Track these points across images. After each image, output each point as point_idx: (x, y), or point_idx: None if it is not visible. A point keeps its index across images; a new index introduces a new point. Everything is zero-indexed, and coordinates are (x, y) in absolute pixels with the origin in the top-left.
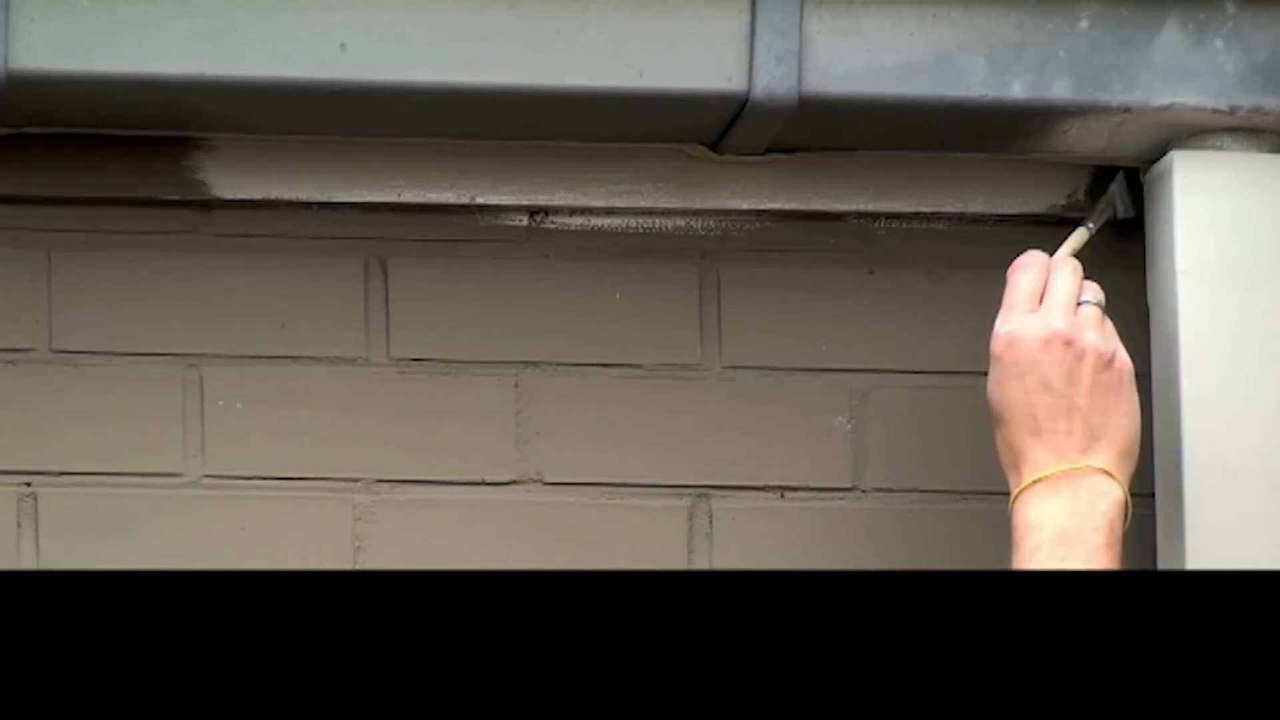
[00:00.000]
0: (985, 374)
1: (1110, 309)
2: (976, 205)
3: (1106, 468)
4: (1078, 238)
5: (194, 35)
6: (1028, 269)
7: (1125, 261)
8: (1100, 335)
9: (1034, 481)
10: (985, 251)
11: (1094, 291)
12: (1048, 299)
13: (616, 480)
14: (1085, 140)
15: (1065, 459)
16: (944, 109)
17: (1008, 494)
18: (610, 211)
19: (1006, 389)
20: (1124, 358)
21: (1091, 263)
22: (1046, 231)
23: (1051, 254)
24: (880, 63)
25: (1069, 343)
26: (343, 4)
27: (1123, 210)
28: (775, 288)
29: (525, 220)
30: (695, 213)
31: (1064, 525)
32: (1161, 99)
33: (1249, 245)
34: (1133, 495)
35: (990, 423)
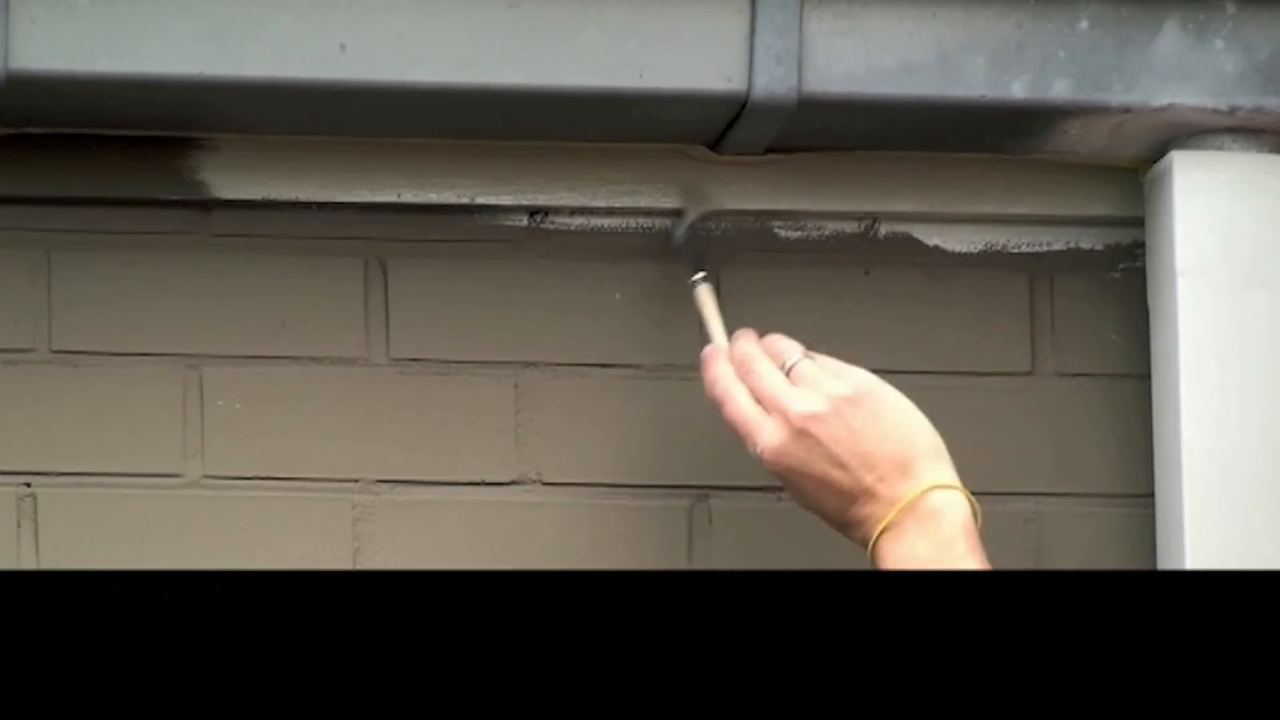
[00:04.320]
0: (986, 374)
1: (1110, 309)
2: (976, 206)
3: (930, 483)
4: (708, 297)
5: (194, 35)
6: (730, 395)
7: (1125, 261)
8: (830, 385)
9: (880, 533)
10: (985, 252)
11: (788, 348)
12: (763, 398)
13: (616, 480)
14: (1085, 141)
15: (894, 500)
16: (944, 109)
17: (1008, 494)
18: (610, 212)
19: (808, 492)
20: (859, 380)
21: (1091, 263)
22: (1046, 231)
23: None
24: (880, 63)
25: (816, 418)
26: (343, 4)
27: (692, 247)
28: (775, 288)
29: (525, 220)
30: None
31: (925, 554)
32: (1161, 99)
33: (1249, 245)
34: (1129, 495)
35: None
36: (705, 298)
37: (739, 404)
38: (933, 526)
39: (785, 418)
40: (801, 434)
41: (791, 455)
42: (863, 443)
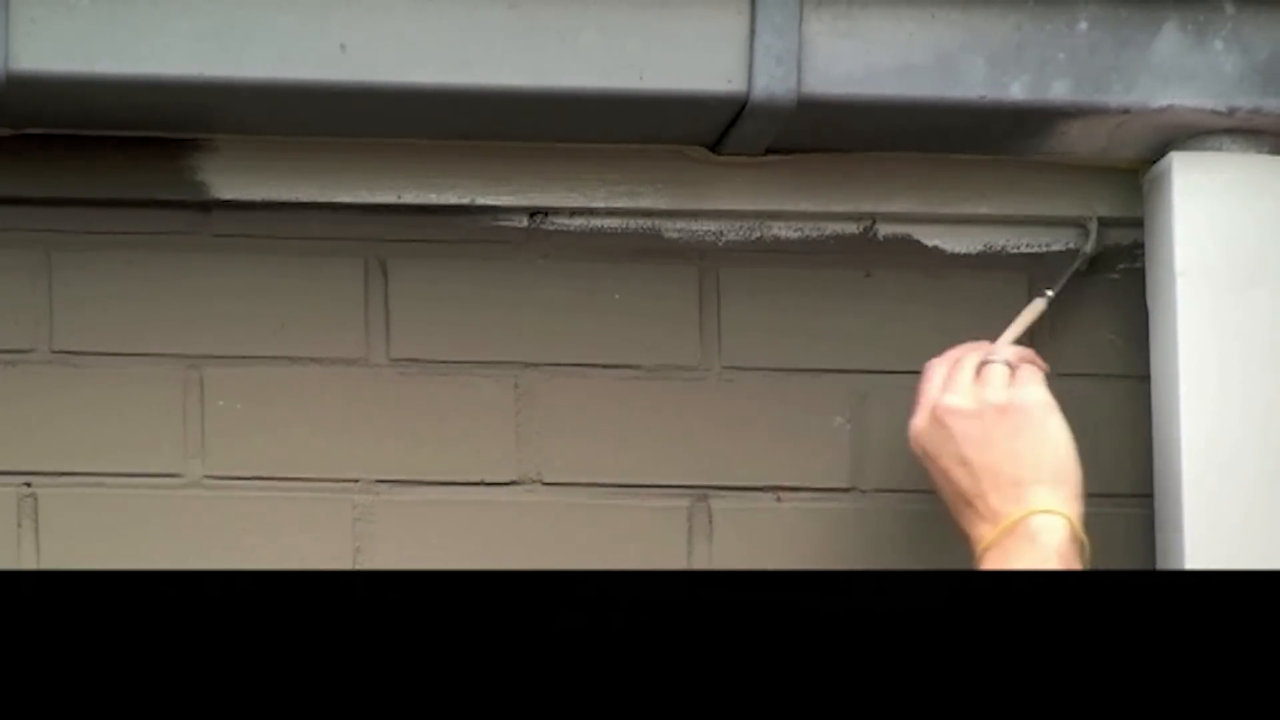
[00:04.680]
0: None
1: (1111, 309)
2: (976, 206)
3: (1042, 507)
4: (1032, 311)
5: (194, 36)
6: (938, 364)
7: (1125, 262)
8: (993, 392)
9: (984, 551)
10: (985, 252)
11: (1000, 349)
12: (945, 385)
13: (616, 480)
14: (1084, 142)
15: (1000, 517)
16: (943, 110)
17: None
18: (610, 212)
19: (936, 480)
20: (1025, 397)
21: (1095, 263)
22: (1046, 231)
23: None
24: (879, 64)
25: (957, 412)
26: (343, 4)
27: (1085, 259)
28: (775, 288)
29: (525, 221)
30: (695, 213)
31: None
32: (1161, 100)
33: (1248, 246)
34: (1129, 495)
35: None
36: (1031, 311)
37: (925, 387)
38: (1028, 549)
39: (933, 405)
40: (939, 423)
41: (926, 439)
42: (990, 451)
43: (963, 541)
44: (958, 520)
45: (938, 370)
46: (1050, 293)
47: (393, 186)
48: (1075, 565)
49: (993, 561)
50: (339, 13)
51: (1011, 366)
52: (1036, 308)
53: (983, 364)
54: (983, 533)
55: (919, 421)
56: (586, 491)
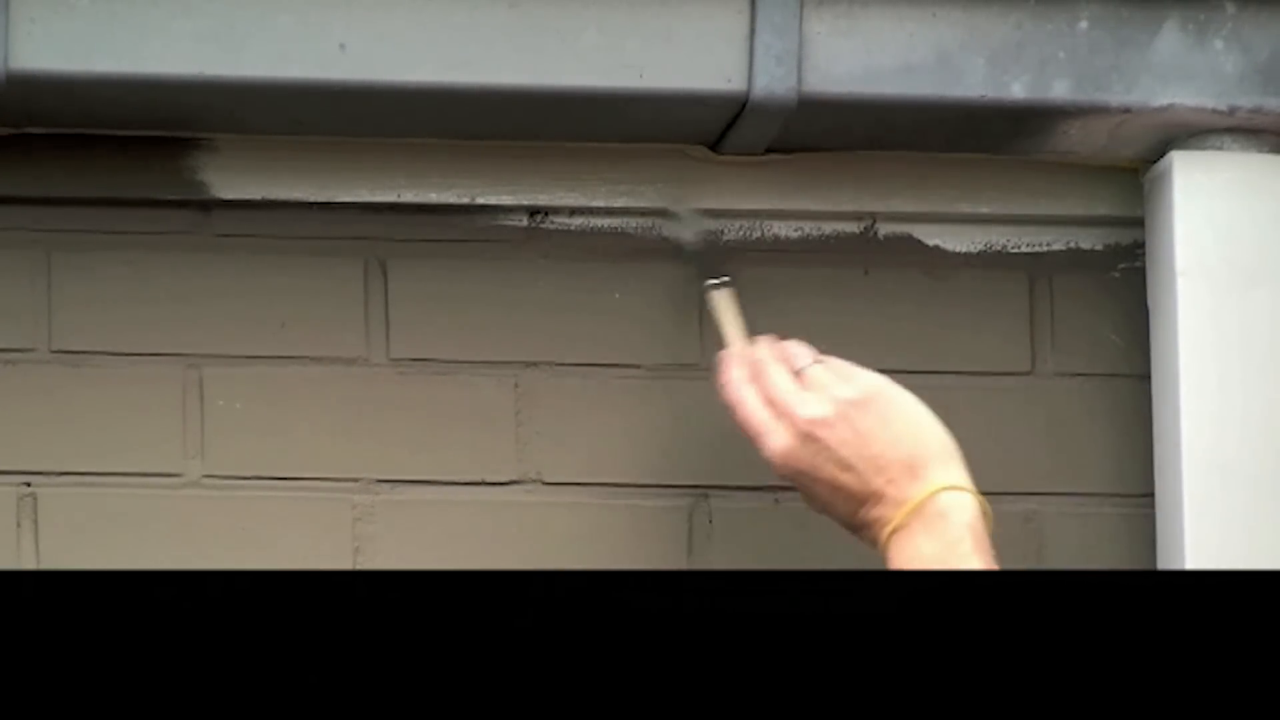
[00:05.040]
0: (986, 374)
1: (1110, 309)
2: (976, 206)
3: (938, 485)
4: (726, 302)
5: (194, 35)
6: (743, 398)
7: (1125, 261)
8: (838, 390)
9: (889, 535)
10: (985, 252)
11: (800, 352)
12: (773, 402)
13: (616, 480)
14: (1085, 141)
15: (903, 501)
16: (944, 109)
17: (1008, 494)
18: (610, 212)
19: (819, 496)
20: (868, 384)
21: (1096, 263)
22: (1047, 231)
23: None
24: (880, 63)
25: (822, 422)
26: (343, 4)
27: (706, 251)
28: (775, 288)
29: (525, 220)
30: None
31: (932, 554)
32: (1161, 99)
33: (1249, 246)
34: (1129, 495)
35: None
36: (723, 303)
37: (750, 408)
38: (939, 527)
39: (793, 422)
40: (808, 438)
41: (800, 460)
42: (870, 446)
43: (857, 537)
44: (848, 522)
45: (746, 389)
46: (722, 279)
47: (393, 186)
48: (986, 539)
49: (901, 542)
50: (339, 12)
51: (819, 362)
52: (727, 298)
53: (796, 372)
54: (888, 516)
55: (782, 443)
56: (586, 491)
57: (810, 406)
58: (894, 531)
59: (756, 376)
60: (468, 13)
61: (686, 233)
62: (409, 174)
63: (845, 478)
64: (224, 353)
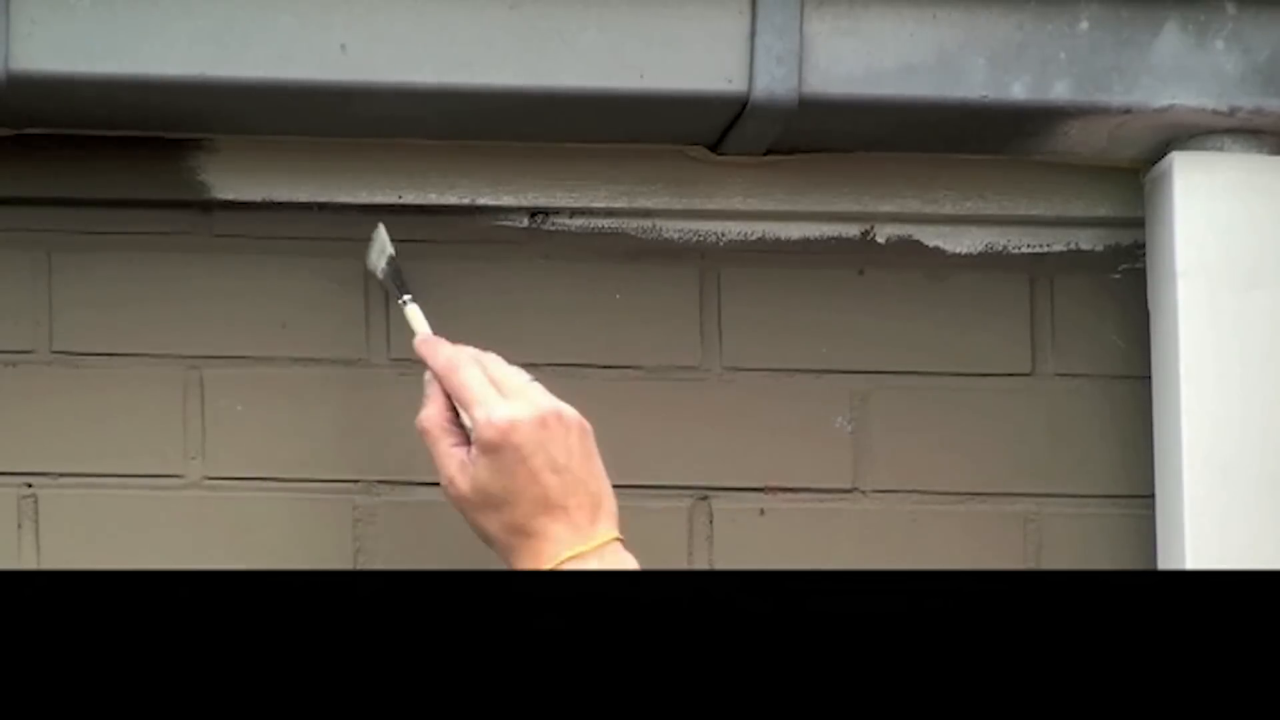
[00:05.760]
0: (986, 374)
1: (1111, 310)
2: (976, 206)
3: (616, 534)
4: (417, 315)
5: (194, 36)
6: (463, 365)
7: (1125, 262)
8: (568, 408)
9: (568, 559)
10: (985, 253)
11: (523, 372)
12: (508, 384)
13: (616, 480)
14: (1085, 141)
15: (584, 533)
16: (944, 110)
17: (1008, 494)
18: (610, 212)
19: (511, 475)
20: (585, 422)
21: (1096, 263)
22: (1047, 231)
23: None
24: (880, 64)
25: (558, 417)
26: (343, 4)
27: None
28: (775, 288)
29: (525, 221)
30: (695, 213)
31: None
32: (1162, 100)
33: (1249, 246)
34: (1129, 496)
35: (473, 511)
36: (417, 315)
37: (472, 378)
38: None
39: (532, 404)
40: (542, 423)
41: (522, 437)
42: (578, 466)
43: (502, 540)
44: (518, 520)
45: (470, 371)
46: (408, 296)
47: (393, 186)
48: None
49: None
50: (339, 13)
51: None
52: (416, 312)
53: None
54: (567, 540)
55: (513, 413)
56: None
57: (548, 400)
58: (572, 559)
59: (479, 361)
60: (468, 13)
61: (378, 260)
62: (409, 174)
63: (550, 479)
64: (224, 353)
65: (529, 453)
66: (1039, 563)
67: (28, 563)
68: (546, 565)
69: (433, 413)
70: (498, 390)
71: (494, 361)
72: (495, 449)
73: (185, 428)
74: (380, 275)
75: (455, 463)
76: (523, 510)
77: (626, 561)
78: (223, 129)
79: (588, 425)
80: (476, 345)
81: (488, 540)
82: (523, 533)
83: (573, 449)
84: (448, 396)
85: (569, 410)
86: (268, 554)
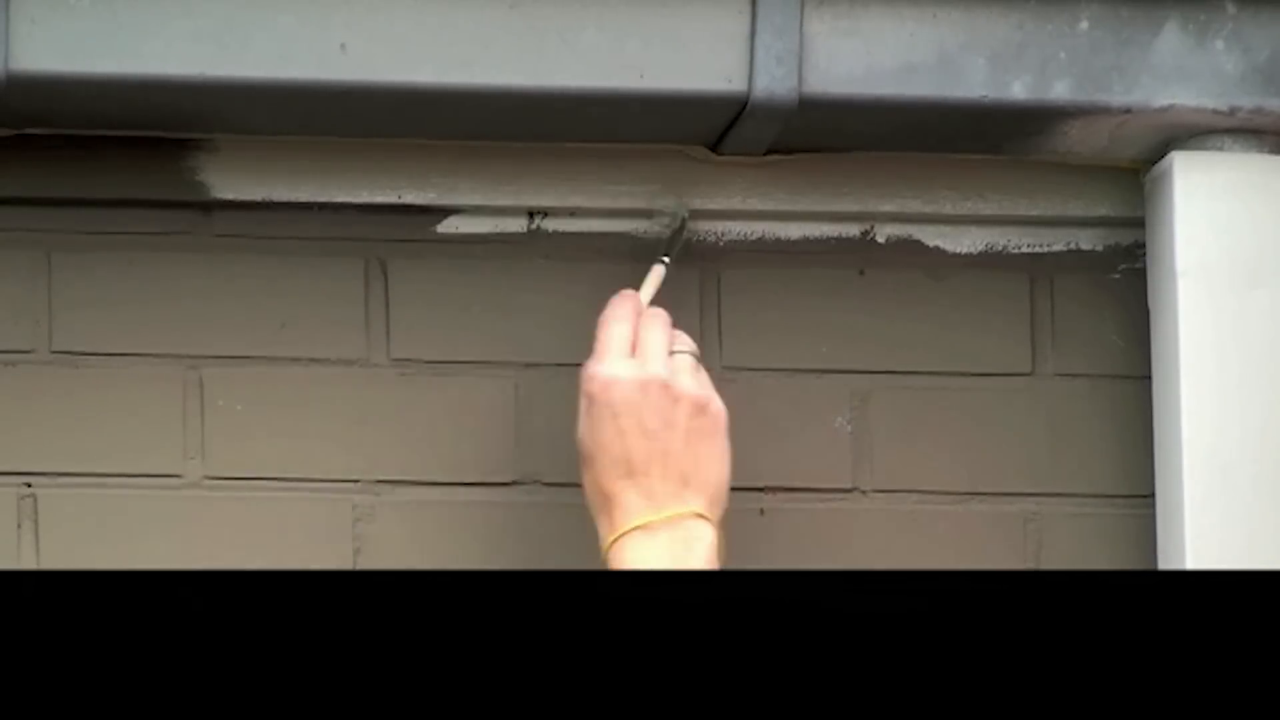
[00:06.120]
0: (986, 374)
1: (1111, 309)
2: (976, 206)
3: (700, 511)
4: (656, 276)
5: (194, 36)
6: (619, 320)
7: (1125, 262)
8: (695, 382)
9: (634, 528)
10: (985, 252)
11: (686, 341)
12: (643, 347)
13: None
14: (1086, 141)
15: (659, 504)
16: (944, 110)
17: (1008, 494)
18: (610, 213)
19: (600, 430)
20: (719, 406)
21: (1096, 263)
22: (1048, 231)
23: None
24: (880, 64)
25: (665, 387)
26: (343, 4)
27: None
28: (775, 288)
29: (525, 221)
30: (695, 213)
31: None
32: (1162, 100)
33: (1249, 246)
34: (1129, 496)
35: (578, 464)
36: (656, 275)
37: (613, 334)
38: (682, 547)
39: (640, 367)
40: (643, 387)
41: (622, 394)
42: (674, 440)
43: (590, 501)
44: (602, 481)
45: (623, 320)
46: (667, 259)
47: (393, 186)
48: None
49: (640, 542)
50: (339, 13)
51: (697, 359)
52: (659, 274)
53: (671, 352)
54: (638, 508)
55: (620, 370)
56: None
57: (670, 370)
58: (639, 528)
59: (640, 319)
60: (468, 13)
61: (665, 224)
62: (409, 174)
63: (637, 442)
64: (224, 353)
65: (619, 411)
66: (1039, 563)
67: (28, 563)
68: (616, 533)
69: (589, 361)
70: (629, 349)
71: (654, 322)
72: (591, 400)
73: (185, 428)
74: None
75: (580, 413)
76: (604, 469)
77: (699, 538)
78: (223, 129)
79: (714, 408)
80: (477, 345)
81: (586, 502)
82: (602, 493)
83: (674, 421)
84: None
85: (687, 384)
86: (268, 554)
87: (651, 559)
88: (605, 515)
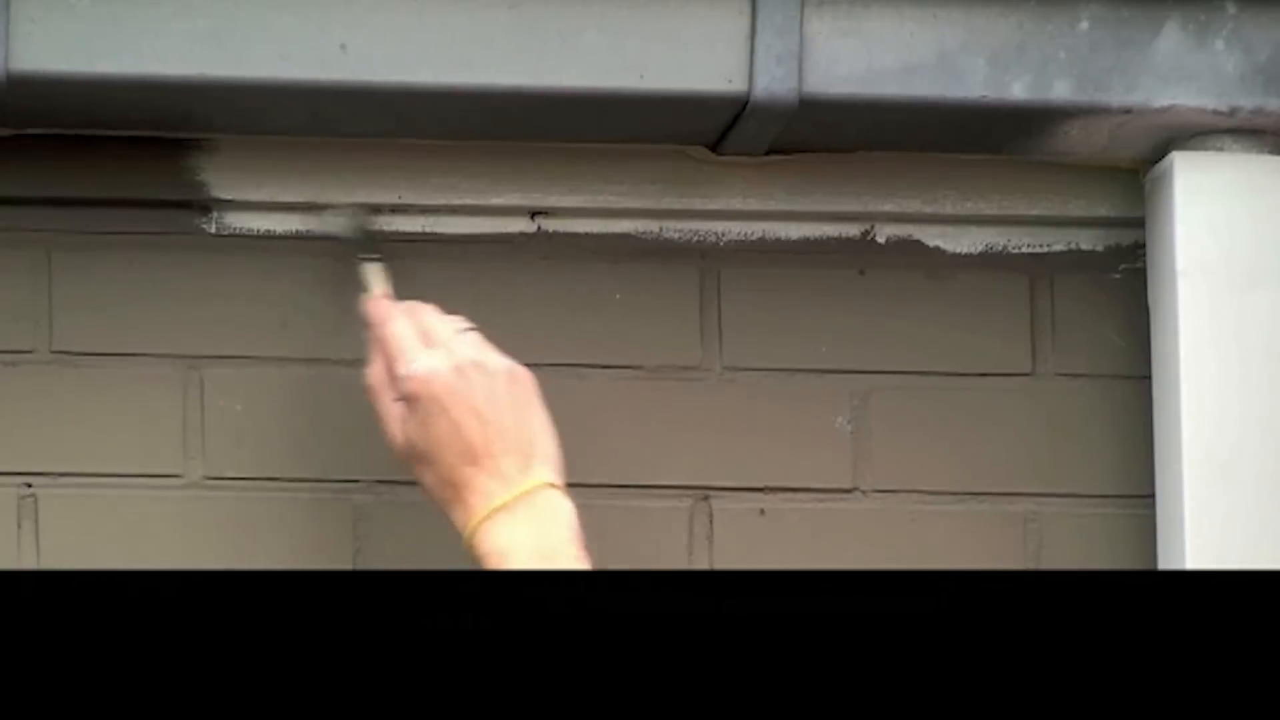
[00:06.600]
0: (986, 374)
1: (1111, 309)
2: (976, 206)
3: (551, 480)
4: (378, 272)
5: (194, 36)
6: (394, 320)
7: (1126, 262)
8: (499, 358)
9: (493, 510)
10: (986, 253)
11: (460, 320)
12: (435, 336)
13: (616, 480)
14: (1086, 141)
15: (511, 482)
16: (944, 110)
17: (1008, 494)
18: (611, 213)
19: (433, 426)
20: (525, 370)
21: (1092, 263)
22: (1048, 231)
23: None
24: (881, 63)
25: (479, 366)
26: (343, 4)
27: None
28: (775, 288)
29: (525, 221)
30: (695, 214)
31: (536, 545)
32: (1162, 100)
33: (1249, 246)
34: (1129, 495)
35: (411, 466)
36: (375, 273)
37: (401, 332)
38: (546, 520)
39: (451, 353)
40: (461, 372)
41: (443, 386)
42: (504, 414)
43: (441, 495)
44: (447, 474)
45: (400, 324)
46: (375, 255)
47: (393, 186)
48: (584, 548)
49: (502, 524)
50: (339, 13)
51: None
52: (379, 270)
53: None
54: (494, 491)
55: (434, 363)
56: (588, 492)
57: (471, 350)
58: (498, 509)
59: (413, 314)
60: (468, 13)
61: (349, 225)
62: (409, 174)
63: (474, 426)
64: (224, 353)
65: (449, 403)
66: (1039, 563)
67: (28, 563)
68: (476, 519)
69: (376, 369)
70: (424, 342)
71: (427, 313)
72: (416, 400)
73: (185, 428)
74: (354, 235)
75: (394, 418)
76: (448, 462)
77: (558, 507)
78: (222, 128)
79: (521, 373)
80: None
81: (430, 496)
82: (451, 485)
83: (498, 397)
84: None
85: (495, 359)
86: (268, 554)
87: (519, 537)
88: (459, 505)
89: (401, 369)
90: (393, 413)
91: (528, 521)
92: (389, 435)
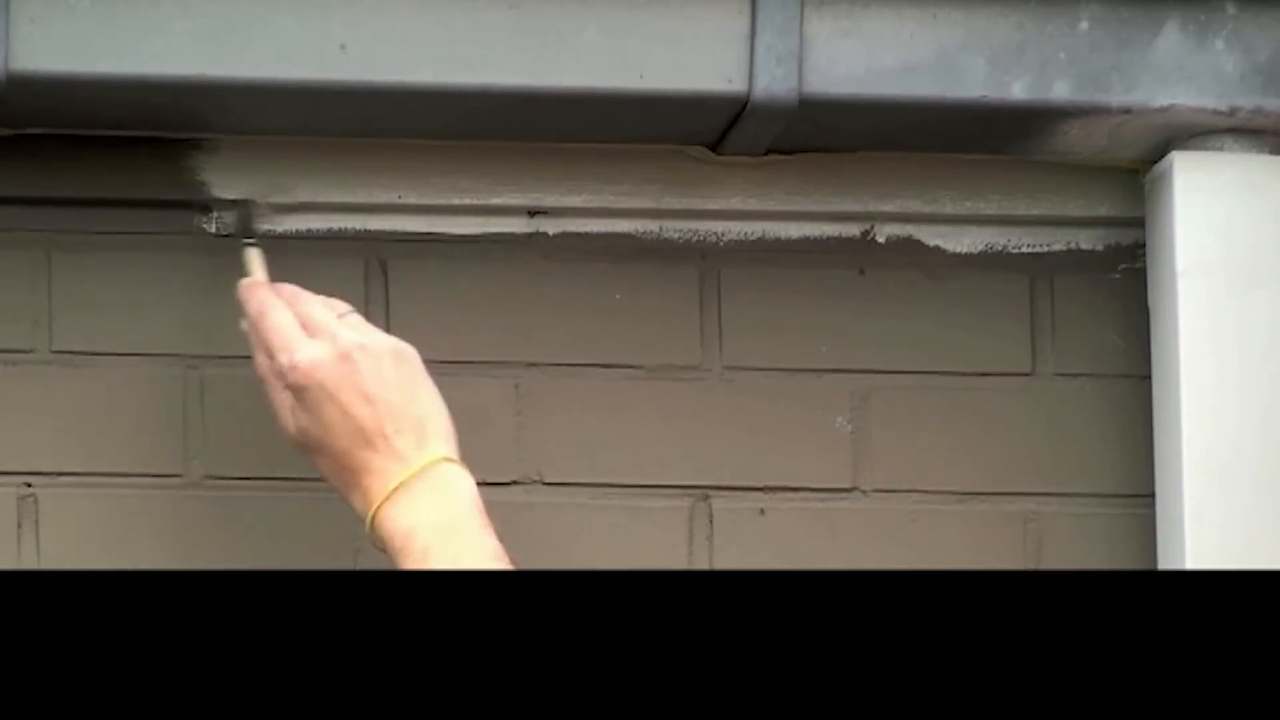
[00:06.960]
0: (986, 374)
1: (1111, 309)
2: (976, 206)
3: (447, 455)
4: (256, 258)
5: (194, 36)
6: (273, 309)
7: (1125, 262)
8: (378, 336)
9: (393, 490)
10: (985, 252)
11: (340, 302)
12: (315, 323)
13: (616, 480)
14: (1085, 141)
15: (407, 460)
16: (944, 110)
17: (1008, 494)
18: (610, 212)
19: (323, 415)
20: (410, 347)
21: (1092, 263)
22: (1048, 231)
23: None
24: (880, 64)
25: (363, 349)
26: (343, 4)
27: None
28: (775, 288)
29: (525, 221)
30: (695, 214)
31: (440, 521)
32: (1162, 100)
33: (1249, 246)
34: (1129, 495)
35: (308, 456)
36: (256, 258)
37: (281, 321)
38: (446, 496)
39: (333, 340)
40: (345, 358)
41: (327, 373)
42: (394, 393)
43: (341, 481)
44: (344, 460)
45: (278, 305)
46: (253, 240)
47: (393, 186)
48: (487, 519)
49: (404, 500)
50: (339, 13)
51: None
52: (257, 256)
53: (339, 316)
54: (392, 471)
55: (316, 353)
56: (586, 491)
57: (354, 333)
58: (398, 489)
59: (294, 301)
60: (468, 13)
61: (238, 221)
62: (409, 174)
63: (362, 409)
64: (224, 353)
65: (335, 389)
66: (1039, 563)
67: (28, 563)
68: (376, 500)
69: (261, 359)
70: (305, 331)
71: (305, 300)
72: (303, 390)
73: (185, 428)
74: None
75: (285, 409)
76: (342, 447)
77: (456, 482)
78: (222, 128)
79: (406, 351)
80: (477, 344)
81: (330, 485)
82: (348, 469)
83: (385, 377)
84: None
85: (379, 340)
86: (268, 554)
87: (420, 513)
88: (357, 490)
89: (285, 360)
90: (283, 403)
91: (430, 498)
92: (282, 426)
